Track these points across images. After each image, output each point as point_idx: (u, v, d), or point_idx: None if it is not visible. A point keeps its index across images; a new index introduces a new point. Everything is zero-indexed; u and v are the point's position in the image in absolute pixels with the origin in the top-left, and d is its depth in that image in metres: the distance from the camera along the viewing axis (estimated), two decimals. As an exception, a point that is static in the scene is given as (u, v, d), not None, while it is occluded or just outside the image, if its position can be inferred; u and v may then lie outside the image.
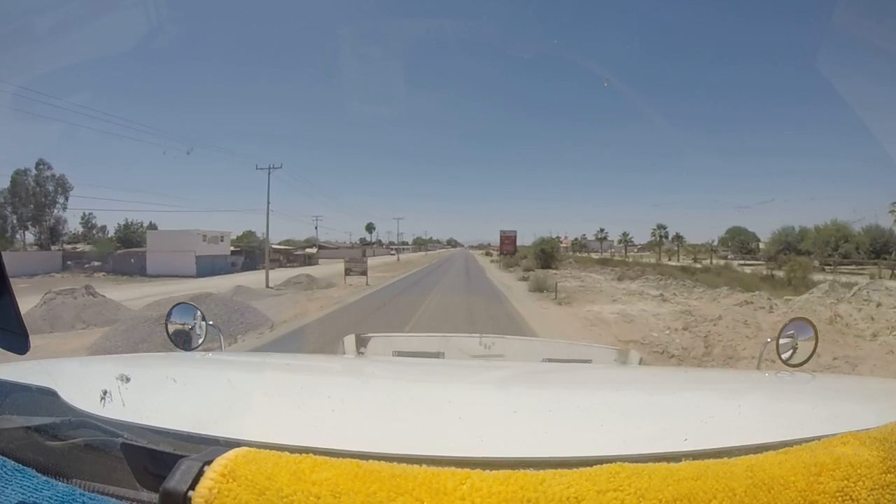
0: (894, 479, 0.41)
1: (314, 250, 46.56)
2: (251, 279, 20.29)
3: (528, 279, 21.41)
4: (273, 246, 42.79)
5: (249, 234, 42.52)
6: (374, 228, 64.74)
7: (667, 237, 48.13)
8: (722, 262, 33.94)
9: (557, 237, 56.78)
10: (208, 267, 28.43)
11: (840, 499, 0.40)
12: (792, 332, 1.27)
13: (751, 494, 0.38)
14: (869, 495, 0.40)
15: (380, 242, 65.34)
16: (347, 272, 20.47)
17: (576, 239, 57.98)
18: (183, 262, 27.76)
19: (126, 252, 31.11)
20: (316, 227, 49.87)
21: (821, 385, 1.14)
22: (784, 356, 1.25)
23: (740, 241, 42.13)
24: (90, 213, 37.08)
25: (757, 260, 34.40)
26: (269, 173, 22.62)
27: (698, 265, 31.71)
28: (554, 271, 26.99)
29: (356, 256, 22.39)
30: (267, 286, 19.26)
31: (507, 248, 41.33)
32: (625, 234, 53.81)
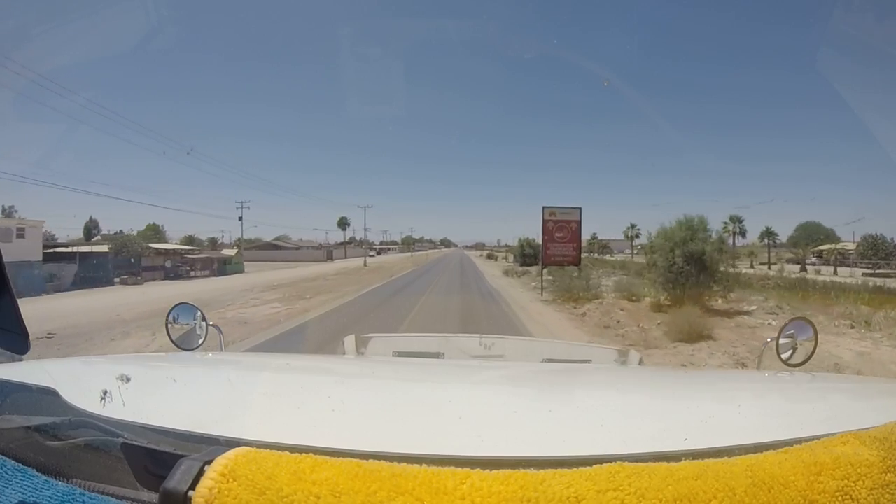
0: (894, 479, 0.41)
1: (233, 251, 32.09)
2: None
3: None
4: (153, 245, 26.10)
5: (153, 227, 32.48)
6: (349, 224, 54.73)
7: (743, 234, 33.24)
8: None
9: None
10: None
11: (840, 498, 0.40)
12: (792, 332, 1.27)
13: (751, 494, 0.38)
14: (869, 495, 0.40)
15: (359, 242, 55.42)
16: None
17: (592, 237, 39.96)
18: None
19: None
20: (240, 218, 34.15)
21: (821, 385, 1.14)
22: (784, 356, 1.25)
23: (872, 243, 29.85)
24: (11, 207, 26.63)
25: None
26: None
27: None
28: (769, 320, 10.93)
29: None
30: None
31: (564, 253, 17.28)
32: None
